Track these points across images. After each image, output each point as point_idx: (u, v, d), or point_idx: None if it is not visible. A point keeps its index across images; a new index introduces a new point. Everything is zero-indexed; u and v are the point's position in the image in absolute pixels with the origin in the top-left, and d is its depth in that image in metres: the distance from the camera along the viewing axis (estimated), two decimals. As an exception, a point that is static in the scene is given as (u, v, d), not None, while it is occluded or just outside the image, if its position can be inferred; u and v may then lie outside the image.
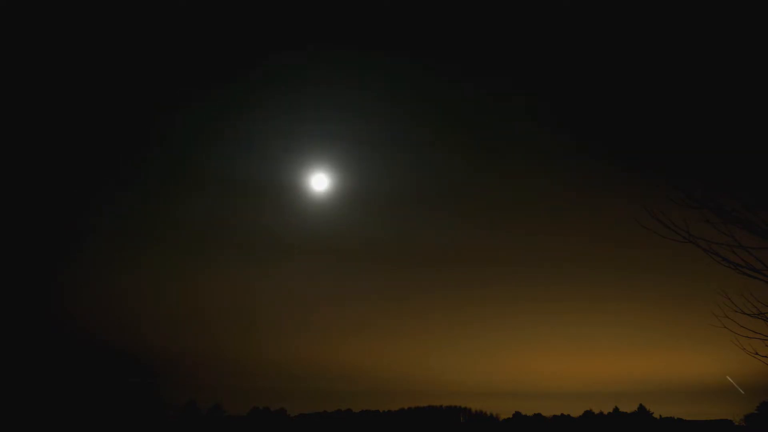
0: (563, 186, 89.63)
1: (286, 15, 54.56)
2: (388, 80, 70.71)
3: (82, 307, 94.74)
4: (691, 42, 12.98)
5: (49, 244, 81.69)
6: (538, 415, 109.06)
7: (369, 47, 60.35)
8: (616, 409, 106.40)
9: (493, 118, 78.98)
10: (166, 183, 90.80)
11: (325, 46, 60.62)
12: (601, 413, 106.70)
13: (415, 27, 54.70)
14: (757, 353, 11.82)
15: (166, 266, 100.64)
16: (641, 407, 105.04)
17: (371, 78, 69.15)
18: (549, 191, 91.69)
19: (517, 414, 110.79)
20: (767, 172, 11.26)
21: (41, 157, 68.62)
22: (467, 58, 61.99)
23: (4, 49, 47.54)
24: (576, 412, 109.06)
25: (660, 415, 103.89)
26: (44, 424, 69.00)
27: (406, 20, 52.20)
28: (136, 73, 63.04)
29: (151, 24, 54.00)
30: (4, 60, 48.90)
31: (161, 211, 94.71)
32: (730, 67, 12.05)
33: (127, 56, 59.79)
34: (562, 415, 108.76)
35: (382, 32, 55.62)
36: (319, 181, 75.11)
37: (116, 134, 74.52)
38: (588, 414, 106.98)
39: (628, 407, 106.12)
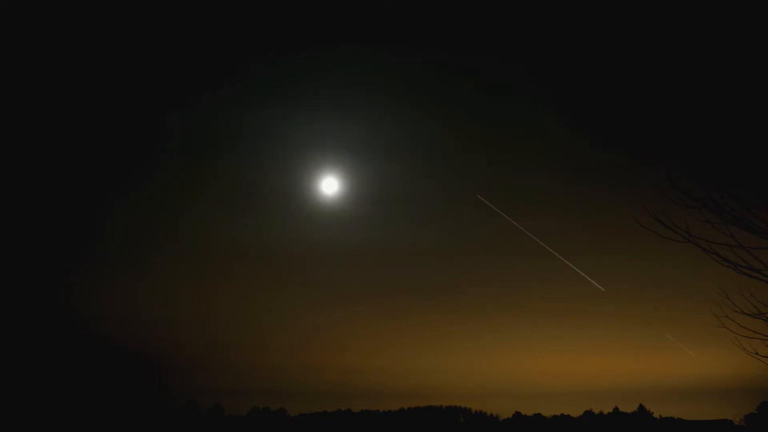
0: (563, 184, 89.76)
1: (288, 14, 54.60)
2: (392, 78, 70.69)
3: (86, 308, 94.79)
4: (693, 42, 12.96)
5: (57, 245, 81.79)
6: (538, 415, 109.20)
7: (371, 45, 60.41)
8: (616, 409, 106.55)
9: (499, 116, 79.08)
10: (173, 187, 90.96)
11: (327, 45, 60.66)
12: (601, 413, 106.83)
13: (417, 26, 54.74)
14: (757, 353, 11.83)
15: (172, 269, 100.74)
16: (641, 407, 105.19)
17: (376, 76, 69.12)
18: (550, 189, 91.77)
19: (517, 414, 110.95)
20: (767, 172, 11.25)
21: (55, 158, 68.85)
22: (469, 56, 62.04)
23: (5, 52, 47.57)
24: (576, 412, 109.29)
25: (660, 415, 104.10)
26: (48, 422, 69.04)
27: (411, 18, 52.23)
28: (139, 74, 63.13)
29: (154, 24, 54.04)
30: (8, 63, 48.95)
31: (169, 214, 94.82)
32: (731, 67, 12.04)
33: (129, 58, 59.85)
34: (562, 415, 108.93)
35: (385, 30, 55.65)
36: (329, 185, 74.70)
37: (121, 137, 74.60)
38: (588, 414, 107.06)
39: (628, 407, 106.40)
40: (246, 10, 54.01)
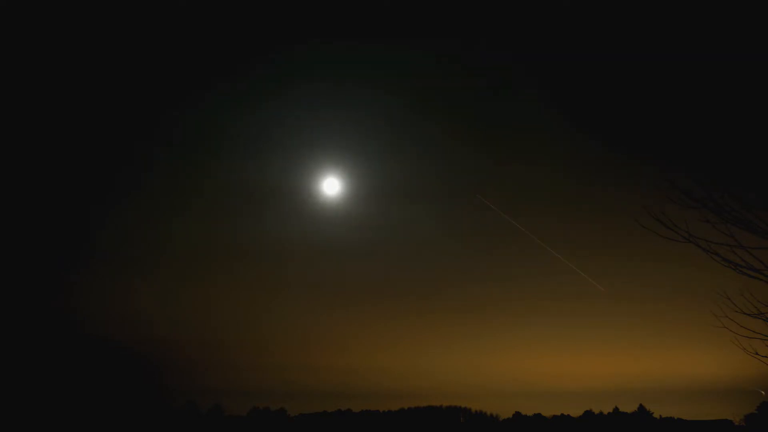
0: (564, 184, 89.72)
1: (288, 14, 54.57)
2: (393, 78, 70.59)
3: (86, 308, 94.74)
4: (693, 42, 12.96)
5: (57, 245, 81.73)
6: (538, 415, 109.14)
7: (372, 45, 60.37)
8: (616, 409, 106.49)
9: (500, 116, 79.06)
10: (173, 187, 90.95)
11: (327, 45, 60.61)
12: (601, 413, 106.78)
13: (419, 25, 54.72)
14: (757, 353, 11.82)
15: (171, 269, 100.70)
16: (641, 407, 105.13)
17: (377, 76, 69.01)
18: (551, 189, 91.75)
19: (517, 414, 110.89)
20: (767, 172, 11.25)
21: (55, 158, 68.83)
22: (470, 55, 62.02)
23: (4, 51, 47.50)
24: (576, 412, 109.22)
25: (660, 415, 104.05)
26: (48, 422, 69.02)
27: (412, 17, 52.22)
28: (139, 73, 63.08)
29: (151, 23, 53.98)
30: (7, 63, 48.88)
31: (169, 214, 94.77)
32: (731, 67, 12.03)
33: (128, 55, 59.80)
34: (562, 415, 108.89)
35: (386, 30, 55.63)
36: (331, 185, 74.48)
37: (121, 137, 74.56)
38: (588, 414, 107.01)
39: (628, 407, 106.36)
40: (246, 10, 53.98)
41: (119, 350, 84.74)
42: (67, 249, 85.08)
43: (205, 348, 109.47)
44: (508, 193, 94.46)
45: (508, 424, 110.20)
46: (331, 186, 74.89)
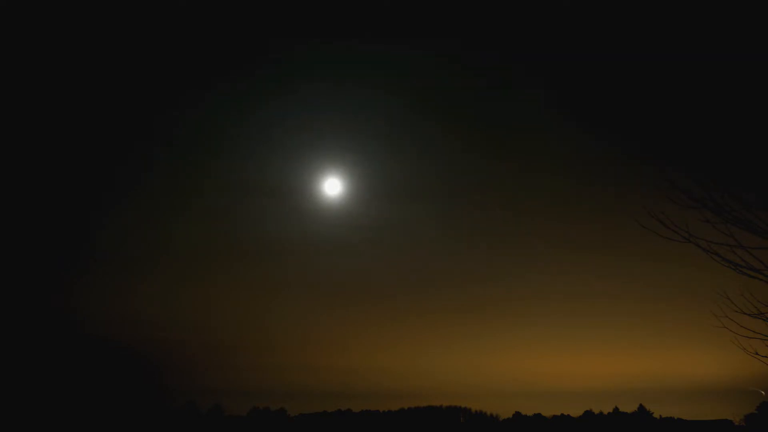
0: (564, 184, 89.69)
1: (289, 14, 54.56)
2: (394, 78, 70.59)
3: (86, 308, 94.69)
4: (693, 41, 12.96)
5: (57, 245, 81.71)
6: (538, 415, 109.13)
7: (373, 46, 60.35)
8: (616, 409, 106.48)
9: (500, 115, 79.10)
10: (173, 187, 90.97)
11: (328, 45, 60.62)
12: (601, 413, 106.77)
13: (419, 25, 54.70)
14: (757, 353, 11.82)
15: (171, 269, 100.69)
16: (641, 407, 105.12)
17: (378, 76, 69.01)
18: (551, 189, 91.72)
19: (517, 414, 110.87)
20: (767, 172, 11.24)
21: (55, 159, 68.85)
22: (471, 55, 62.04)
23: (4, 51, 47.48)
24: (576, 412, 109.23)
25: (660, 415, 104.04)
26: (48, 422, 69.01)
27: (413, 18, 52.22)
28: (139, 73, 63.08)
29: (151, 23, 53.97)
30: (5, 62, 48.84)
31: (169, 214, 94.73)
32: (732, 66, 12.03)
33: (128, 55, 59.79)
34: (562, 415, 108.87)
35: (387, 30, 55.64)
36: (332, 185, 74.57)
37: (121, 137, 74.58)
38: (588, 414, 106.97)
39: (628, 407, 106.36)
40: (247, 10, 53.97)
41: (119, 350, 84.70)
42: (67, 249, 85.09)
43: (205, 348, 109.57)
44: (508, 193, 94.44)
45: (508, 424, 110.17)
46: (331, 186, 75.02)
